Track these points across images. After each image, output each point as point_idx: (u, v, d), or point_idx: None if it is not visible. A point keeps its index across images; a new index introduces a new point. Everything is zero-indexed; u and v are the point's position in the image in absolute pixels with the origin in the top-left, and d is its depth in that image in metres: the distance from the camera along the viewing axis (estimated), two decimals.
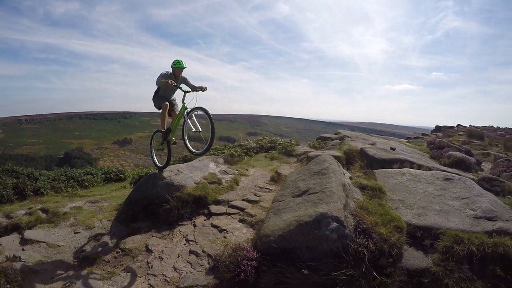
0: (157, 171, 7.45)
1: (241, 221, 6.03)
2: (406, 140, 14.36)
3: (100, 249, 5.81)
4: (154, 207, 6.67)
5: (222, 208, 6.55)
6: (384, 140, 12.20)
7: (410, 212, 5.40)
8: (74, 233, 6.49)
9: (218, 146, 12.02)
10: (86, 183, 10.75)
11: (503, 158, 11.26)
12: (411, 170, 7.31)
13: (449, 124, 31.04)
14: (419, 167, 8.13)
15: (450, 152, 10.49)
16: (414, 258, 4.51)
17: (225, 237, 5.52)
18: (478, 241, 4.51)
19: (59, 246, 6.02)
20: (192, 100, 7.04)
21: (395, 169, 7.40)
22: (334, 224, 4.39)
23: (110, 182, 11.67)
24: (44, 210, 7.25)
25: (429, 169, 7.91)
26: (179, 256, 5.17)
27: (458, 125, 30.56)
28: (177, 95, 7.86)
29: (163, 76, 7.32)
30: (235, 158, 9.67)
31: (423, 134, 21.21)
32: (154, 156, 8.06)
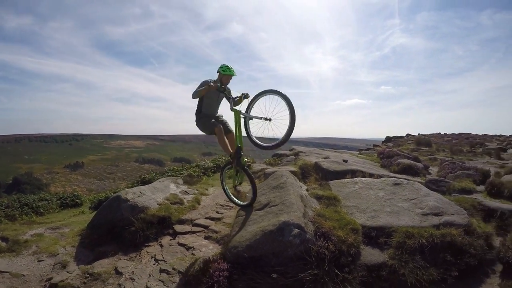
0: (120, 194, 7.36)
1: (206, 238, 6.36)
2: (358, 152, 15.43)
3: (67, 275, 5.79)
4: (119, 230, 6.77)
5: (186, 227, 6.82)
6: (337, 153, 13.03)
7: (364, 215, 6.01)
8: (38, 261, 6.42)
9: (176, 167, 12.37)
10: (41, 210, 10.54)
11: (449, 161, 12.51)
12: (363, 179, 8.07)
13: (399, 134, 33.22)
14: (371, 175, 8.91)
15: (399, 160, 11.55)
16: (371, 255, 5.06)
17: (193, 254, 5.78)
18: (427, 234, 5.17)
19: (24, 276, 5.96)
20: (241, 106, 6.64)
21: (348, 179, 8.08)
22: (296, 230, 4.83)
23: (66, 208, 11.48)
24: (4, 239, 7.13)
25: (380, 176, 8.63)
26: (150, 276, 5.33)
27: (408, 135, 32.74)
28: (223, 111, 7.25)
29: (204, 84, 6.44)
30: (194, 178, 9.94)
31: (374, 145, 22.66)
32: (231, 194, 7.15)
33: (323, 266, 4.55)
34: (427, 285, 4.67)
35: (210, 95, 6.64)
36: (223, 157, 12.74)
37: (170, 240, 6.49)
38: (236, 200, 6.94)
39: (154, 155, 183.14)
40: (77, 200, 12.07)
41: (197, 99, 6.75)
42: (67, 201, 11.86)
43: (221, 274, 4.66)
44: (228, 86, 6.79)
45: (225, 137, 6.57)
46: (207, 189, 9.20)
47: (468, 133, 38.03)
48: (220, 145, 6.64)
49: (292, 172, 9.00)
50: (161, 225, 6.89)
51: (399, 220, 5.79)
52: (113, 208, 7.16)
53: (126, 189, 8.03)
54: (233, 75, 6.65)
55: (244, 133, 6.70)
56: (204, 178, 10.61)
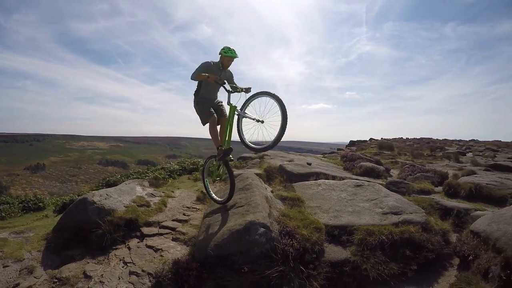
0: (86, 196, 7.29)
1: (174, 239, 6.41)
2: (322, 156, 15.86)
3: (35, 281, 5.69)
4: (86, 233, 6.72)
5: (154, 229, 6.86)
6: (301, 156, 13.35)
7: (327, 215, 6.28)
8: (4, 266, 6.27)
9: (141, 170, 12.31)
10: (3, 214, 10.31)
11: (409, 164, 13.12)
12: (326, 181, 8.38)
13: (363, 139, 34.24)
14: (334, 178, 9.23)
15: (362, 163, 12.02)
16: (334, 252, 5.31)
17: (161, 255, 5.83)
18: (387, 232, 5.53)
19: None
20: (238, 102, 6.47)
21: (312, 181, 8.37)
22: (262, 229, 5.07)
23: (29, 212, 11.21)
24: None
25: (342, 179, 9.02)
26: (120, 279, 5.34)
27: (371, 139, 33.78)
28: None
29: (204, 67, 6.42)
30: (160, 181, 9.96)
31: (338, 149, 23.29)
32: (210, 190, 7.33)
33: (288, 263, 4.77)
34: (388, 279, 5.00)
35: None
36: (189, 160, 12.77)
37: (138, 242, 6.50)
38: (214, 196, 7.07)
39: (118, 157, 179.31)
40: (40, 204, 11.81)
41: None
42: (30, 205, 11.59)
43: (190, 273, 4.79)
44: (230, 69, 6.78)
45: (217, 128, 6.63)
46: (173, 192, 9.25)
47: (429, 138, 39.56)
48: (210, 135, 6.63)
49: (257, 174, 9.20)
50: (128, 227, 6.87)
51: (360, 219, 6.12)
52: (80, 211, 7.09)
53: (93, 191, 7.91)
54: (235, 57, 6.57)
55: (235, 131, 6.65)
56: (170, 180, 10.62)
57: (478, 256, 5.25)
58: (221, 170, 7.20)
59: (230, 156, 6.63)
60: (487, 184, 9.35)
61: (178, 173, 11.65)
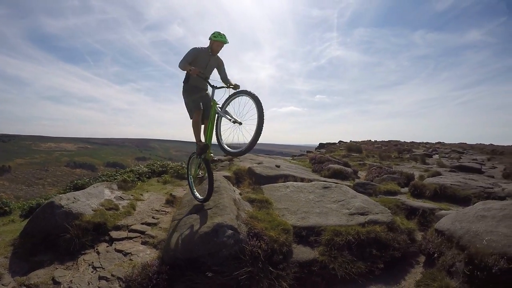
0: (53, 200, 7.14)
1: (143, 243, 6.42)
2: (291, 158, 16.12)
3: None
4: (54, 238, 6.59)
5: (123, 233, 6.81)
6: (271, 159, 13.56)
7: (294, 217, 6.41)
8: None
9: (109, 172, 12.10)
10: None
11: (376, 166, 13.52)
12: (294, 183, 8.59)
13: (332, 141, 34.92)
14: (302, 180, 9.42)
15: (330, 165, 12.30)
16: (302, 252, 5.43)
17: (131, 259, 5.82)
18: (354, 232, 5.72)
19: None
20: (222, 99, 6.19)
21: (280, 183, 8.54)
22: (230, 231, 5.13)
23: None
24: None
25: (311, 181, 9.19)
26: (89, 284, 5.30)
27: (340, 141, 34.48)
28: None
29: (192, 54, 6.23)
30: (128, 184, 9.87)
31: (307, 152, 23.63)
32: (194, 188, 7.19)
33: (257, 264, 4.85)
34: (356, 278, 5.18)
35: (199, 63, 6.34)
36: (158, 162, 12.65)
37: (107, 247, 6.45)
38: (196, 193, 6.94)
39: (86, 159, 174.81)
40: (6, 208, 11.28)
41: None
42: None
43: (160, 277, 4.82)
44: (220, 56, 6.62)
45: (200, 122, 6.56)
46: (142, 195, 9.19)
47: (397, 141, 40.63)
48: (192, 128, 6.54)
49: (226, 177, 9.28)
50: (97, 231, 6.80)
51: (327, 220, 6.29)
52: (47, 215, 6.95)
53: (60, 195, 7.76)
54: (226, 42, 6.38)
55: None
56: (139, 183, 10.49)
57: (442, 253, 5.53)
58: (203, 168, 7.06)
59: (212, 154, 6.57)
60: (451, 184, 9.78)
61: (147, 176, 11.52)
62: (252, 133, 5.24)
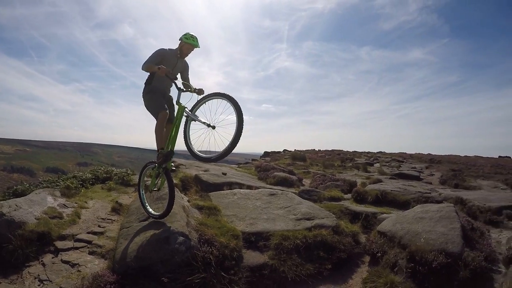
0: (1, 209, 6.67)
1: (91, 253, 6.26)
2: (237, 166, 16.42)
3: None
4: None
5: (68, 243, 6.60)
6: (217, 166, 13.68)
7: (243, 223, 6.70)
8: None
9: (51, 178, 11.61)
10: None
11: (320, 174, 14.19)
12: (241, 190, 8.92)
13: (277, 150, 35.63)
14: (249, 187, 9.75)
15: (275, 173, 12.73)
16: (253, 257, 5.72)
17: (79, 270, 5.66)
18: (301, 236, 6.13)
19: None
20: (188, 103, 5.99)
21: (227, 191, 8.83)
22: (181, 238, 5.31)
23: None
24: None
25: (257, 188, 9.51)
26: None
27: (284, 150, 35.25)
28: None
29: (158, 56, 6.03)
30: (72, 191, 9.50)
31: (252, 160, 24.03)
32: (146, 203, 6.64)
33: (210, 270, 5.06)
34: (306, 279, 5.57)
35: (165, 65, 5.98)
36: (102, 168, 12.34)
37: (53, 258, 6.22)
38: (150, 209, 6.50)
39: (25, 163, 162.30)
40: None
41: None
42: None
43: (112, 287, 4.82)
44: (187, 60, 6.50)
45: (164, 126, 6.13)
46: (86, 202, 8.94)
47: (340, 150, 42.02)
48: (155, 133, 6.12)
49: None
50: (41, 241, 6.49)
51: (275, 225, 6.66)
52: None
53: (1, 202, 7.30)
54: (197, 46, 6.25)
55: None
56: (82, 190, 10.17)
57: (386, 252, 6.12)
58: (161, 180, 6.54)
59: (172, 164, 6.34)
60: (392, 190, 10.51)
61: (90, 182, 11.16)
62: (226, 137, 5.23)
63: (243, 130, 5.10)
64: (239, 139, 5.13)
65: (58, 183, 10.50)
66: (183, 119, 6.05)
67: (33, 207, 7.33)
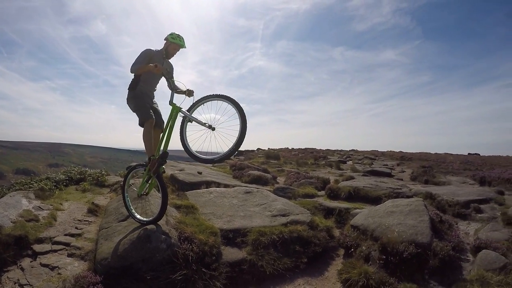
0: None
1: (70, 255, 6.25)
2: (212, 165, 16.61)
3: None
4: None
5: (46, 246, 6.55)
6: (192, 166, 13.78)
7: (221, 220, 6.97)
8: None
9: (24, 180, 11.40)
10: None
11: (294, 172, 14.56)
12: (217, 188, 9.19)
13: (251, 149, 35.91)
14: (225, 186, 9.96)
15: (250, 172, 13.01)
16: (231, 253, 6.01)
17: (59, 273, 5.64)
18: (277, 231, 6.46)
19: None
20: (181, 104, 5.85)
21: (204, 189, 9.05)
22: (162, 236, 5.50)
23: None
24: None
25: (233, 186, 9.77)
26: None
27: (258, 149, 35.55)
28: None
29: (146, 56, 5.90)
30: (46, 192, 9.46)
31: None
32: (132, 208, 6.37)
33: (191, 266, 5.30)
34: (284, 272, 5.93)
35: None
36: (75, 169, 12.18)
37: (31, 261, 6.15)
38: (138, 216, 6.27)
39: None
40: None
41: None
42: None
43: (95, 287, 4.87)
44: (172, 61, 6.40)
45: (152, 133, 6.02)
46: (61, 204, 8.91)
47: (314, 148, 42.49)
48: (143, 140, 6.00)
49: None
50: (19, 246, 6.40)
51: (252, 222, 6.97)
52: None
53: None
54: (183, 47, 6.17)
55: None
56: (56, 192, 10.06)
57: (359, 245, 6.54)
58: (150, 184, 6.36)
59: (164, 167, 6.12)
60: (364, 186, 10.95)
61: (64, 183, 11.00)
62: (228, 138, 5.19)
63: (247, 131, 5.09)
64: (243, 140, 5.12)
65: (31, 185, 10.36)
66: (179, 120, 5.93)
67: (9, 210, 7.28)
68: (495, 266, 5.72)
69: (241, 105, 5.19)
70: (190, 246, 5.56)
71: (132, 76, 6.12)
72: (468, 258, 6.47)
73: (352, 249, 6.62)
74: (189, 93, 6.04)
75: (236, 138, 5.12)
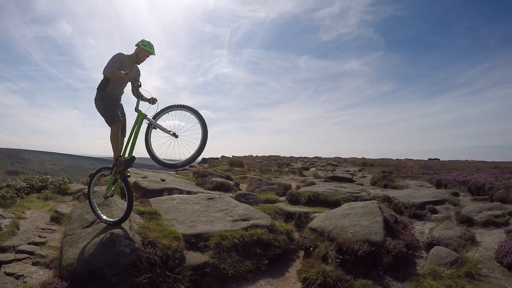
0: None
1: (34, 264, 6.25)
2: (175, 172, 16.73)
3: None
4: None
5: (10, 255, 6.50)
6: (155, 173, 13.89)
7: (183, 226, 7.26)
8: None
9: None
10: None
11: (257, 179, 14.96)
12: (180, 195, 9.47)
13: (215, 156, 36.15)
14: (188, 192, 10.21)
15: (213, 179, 13.31)
16: (194, 257, 6.29)
17: (25, 282, 5.65)
18: (238, 235, 6.82)
19: None
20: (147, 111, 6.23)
21: (167, 196, 9.29)
22: (126, 241, 5.74)
23: None
24: None
25: (196, 193, 10.06)
26: None
27: (222, 156, 35.88)
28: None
29: (118, 60, 6.12)
30: (7, 201, 9.39)
31: (190, 166, 24.42)
32: (98, 210, 6.74)
33: (155, 270, 5.56)
34: (246, 274, 6.30)
35: (123, 69, 6.09)
36: (36, 177, 11.99)
37: None
38: (104, 217, 6.60)
39: None
40: None
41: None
42: None
43: None
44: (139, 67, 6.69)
45: (119, 135, 6.32)
46: (24, 212, 8.86)
47: (277, 155, 42.97)
48: (111, 141, 6.29)
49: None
50: None
51: (214, 227, 7.31)
52: None
53: None
54: (153, 53, 6.44)
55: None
56: (18, 200, 9.93)
57: (317, 246, 7.05)
58: (116, 186, 6.75)
59: (128, 170, 6.46)
60: (323, 191, 11.46)
61: (25, 191, 10.82)
62: (189, 146, 5.75)
63: (208, 140, 5.65)
64: (204, 147, 5.67)
65: None
66: (144, 126, 6.29)
67: None
68: (446, 260, 6.24)
69: (203, 115, 5.69)
70: (154, 250, 5.80)
71: (102, 77, 6.31)
72: (422, 254, 7.03)
73: (311, 250, 7.05)
74: (153, 101, 6.40)
75: (197, 145, 5.70)
